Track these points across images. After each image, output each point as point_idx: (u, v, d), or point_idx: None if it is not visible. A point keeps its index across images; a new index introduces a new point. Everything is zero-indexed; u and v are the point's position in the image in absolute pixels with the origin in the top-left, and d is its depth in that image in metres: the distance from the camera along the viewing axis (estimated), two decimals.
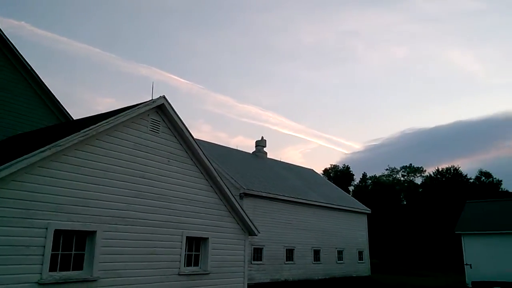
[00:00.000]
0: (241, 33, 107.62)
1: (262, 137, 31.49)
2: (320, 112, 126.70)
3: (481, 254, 26.05)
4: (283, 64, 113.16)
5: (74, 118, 14.08)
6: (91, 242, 8.28)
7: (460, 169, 54.50)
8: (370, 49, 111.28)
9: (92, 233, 8.28)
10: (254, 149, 31.24)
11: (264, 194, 21.97)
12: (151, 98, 10.00)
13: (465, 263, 26.59)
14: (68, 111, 14.24)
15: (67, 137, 7.88)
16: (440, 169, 55.56)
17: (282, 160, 33.36)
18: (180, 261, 10.02)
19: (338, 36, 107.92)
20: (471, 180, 53.76)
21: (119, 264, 8.64)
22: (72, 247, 8.12)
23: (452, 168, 54.24)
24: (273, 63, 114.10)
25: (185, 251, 10.31)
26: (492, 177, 54.54)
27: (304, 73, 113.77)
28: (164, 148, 10.09)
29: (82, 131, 8.14)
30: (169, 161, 10.14)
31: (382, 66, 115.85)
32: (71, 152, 8.07)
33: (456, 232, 27.62)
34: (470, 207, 30.48)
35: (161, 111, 10.17)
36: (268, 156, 31.65)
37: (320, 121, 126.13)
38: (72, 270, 8.01)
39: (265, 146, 31.28)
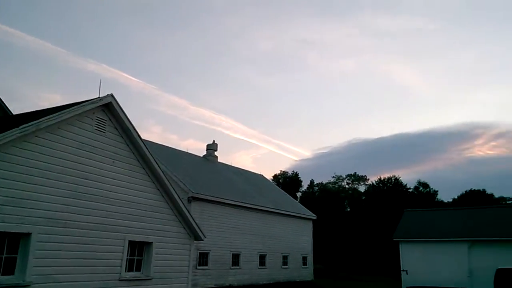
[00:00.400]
0: (199, 35, 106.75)
1: (214, 141, 31.36)
2: (273, 118, 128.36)
3: (417, 261, 27.50)
4: (239, 68, 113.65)
5: (14, 114, 13.26)
6: (25, 245, 7.82)
7: (400, 179, 57.56)
8: (322, 59, 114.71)
9: (27, 236, 7.82)
10: (205, 153, 31.01)
11: (212, 198, 21.85)
12: (98, 96, 9.66)
13: (401, 269, 27.98)
14: (8, 106, 13.38)
15: (3, 133, 7.41)
16: (382, 178, 58.39)
17: (232, 165, 33.38)
18: (121, 266, 9.71)
19: (293, 44, 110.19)
20: (410, 190, 56.90)
21: (54, 268, 8.23)
22: (3, 250, 7.62)
23: (393, 178, 57.17)
24: (229, 67, 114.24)
25: (127, 256, 10.01)
26: (429, 187, 58.10)
27: (259, 78, 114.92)
28: (109, 148, 9.76)
29: (20, 126, 7.68)
30: (113, 161, 9.82)
31: (333, 76, 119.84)
32: (7, 149, 7.59)
33: (394, 239, 29.03)
34: (408, 216, 32.17)
35: (108, 110, 9.84)
36: (219, 160, 31.54)
37: (272, 127, 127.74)
38: (2, 274, 7.52)
39: (216, 150, 31.16)
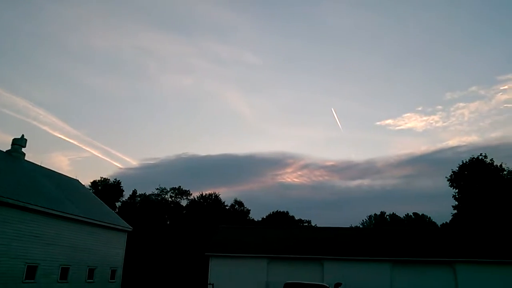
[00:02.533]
0: (28, 19, 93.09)
1: (23, 135, 27.40)
2: (101, 121, 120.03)
3: (224, 275, 29.19)
4: (70, 64, 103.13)
5: None
6: None
7: (220, 196, 60.78)
8: (161, 71, 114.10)
9: None
10: (9, 148, 26.80)
11: (7, 201, 18.94)
12: None
13: (208, 282, 29.29)
14: None
15: None
16: (204, 194, 60.67)
17: (43, 165, 29.70)
18: None
19: (133, 50, 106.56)
20: (227, 207, 60.64)
21: None
22: None
23: (213, 195, 60.04)
24: (59, 61, 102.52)
25: None
26: (244, 206, 63.09)
27: (91, 78, 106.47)
28: None
29: None
30: None
31: (170, 90, 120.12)
32: None
33: (206, 254, 30.30)
34: (221, 232, 34.09)
35: None
36: (28, 158, 27.69)
37: (99, 130, 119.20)
38: None
39: (24, 146, 27.25)
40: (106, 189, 61.47)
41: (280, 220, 61.02)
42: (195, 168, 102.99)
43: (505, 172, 41.05)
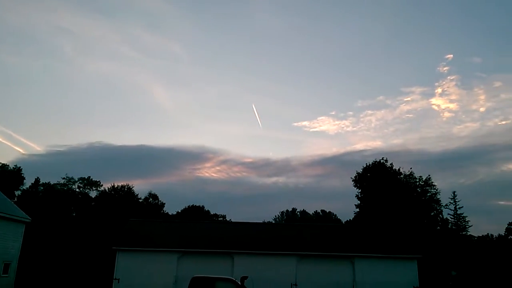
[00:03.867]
0: None
1: None
2: (5, 101, 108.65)
3: (132, 269, 28.32)
4: None
5: None
6: None
7: (133, 188, 58.49)
8: (80, 54, 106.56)
9: None
10: None
11: None
12: None
13: (114, 277, 28.20)
14: None
15: None
16: (116, 186, 57.96)
17: None
18: None
19: (50, 29, 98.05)
20: (141, 200, 58.68)
21: None
22: None
23: (126, 186, 57.64)
24: None
25: None
26: (158, 199, 61.59)
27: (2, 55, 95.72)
28: None
29: None
30: None
31: (88, 75, 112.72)
32: None
33: (113, 248, 29.13)
34: (131, 225, 33.00)
35: None
36: None
37: (1, 111, 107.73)
38: None
39: None
40: (4, 176, 55.91)
41: (195, 215, 60.71)
42: (109, 158, 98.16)
43: (401, 176, 45.46)
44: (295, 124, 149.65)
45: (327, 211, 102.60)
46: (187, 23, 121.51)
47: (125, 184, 58.51)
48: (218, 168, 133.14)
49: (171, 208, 67.85)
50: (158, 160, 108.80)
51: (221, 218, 70.15)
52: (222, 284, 16.66)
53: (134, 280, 27.90)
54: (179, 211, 63.58)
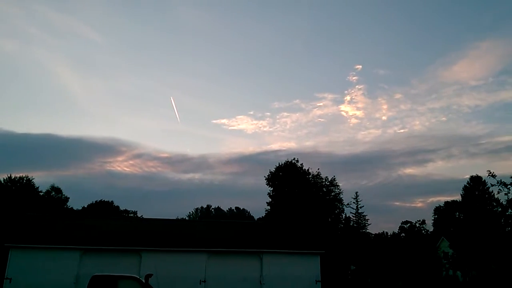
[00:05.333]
0: None
1: None
2: None
3: (28, 269, 26.13)
4: None
5: None
6: None
7: (34, 180, 53.70)
8: None
9: None
10: None
11: None
12: None
13: (5, 277, 25.77)
14: None
15: None
16: (13, 177, 52.74)
17: None
18: None
19: None
20: (42, 193, 54.10)
21: None
22: None
23: (25, 178, 52.72)
24: None
25: None
26: (62, 193, 57.33)
27: None
28: None
29: None
30: None
31: None
32: None
33: (5, 245, 26.60)
34: (27, 220, 30.35)
35: None
36: None
37: None
38: None
39: None
40: None
41: (103, 210, 57.65)
42: (8, 146, 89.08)
43: (310, 176, 48.01)
44: (214, 121, 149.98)
45: (241, 208, 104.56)
46: (105, 9, 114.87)
47: (24, 175, 53.53)
48: (131, 162, 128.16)
49: (77, 203, 63.73)
50: (65, 151, 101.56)
51: (132, 214, 67.58)
52: (125, 283, 16.09)
53: (29, 279, 25.76)
54: (85, 206, 59.94)
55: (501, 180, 13.82)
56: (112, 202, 62.84)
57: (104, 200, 61.96)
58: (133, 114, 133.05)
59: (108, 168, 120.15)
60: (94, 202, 61.01)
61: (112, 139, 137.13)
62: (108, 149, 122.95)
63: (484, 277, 40.62)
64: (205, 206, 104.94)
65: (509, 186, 13.84)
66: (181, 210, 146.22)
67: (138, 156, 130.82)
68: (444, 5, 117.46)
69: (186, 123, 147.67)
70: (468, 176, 60.03)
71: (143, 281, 16.54)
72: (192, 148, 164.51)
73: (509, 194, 13.97)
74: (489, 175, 14.11)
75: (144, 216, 58.74)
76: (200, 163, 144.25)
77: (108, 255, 27.71)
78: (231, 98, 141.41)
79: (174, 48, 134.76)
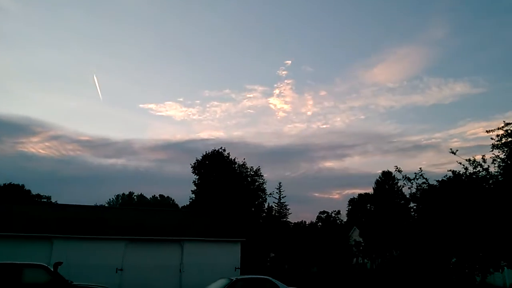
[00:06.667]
0: None
1: None
2: None
3: None
4: None
5: None
6: None
7: None
8: None
9: None
10: None
11: None
12: None
13: None
14: None
15: None
16: None
17: None
18: None
19: None
20: None
21: None
22: None
23: None
24: None
25: None
26: None
27: None
28: None
29: None
30: None
31: None
32: None
33: None
34: None
35: None
36: None
37: None
38: None
39: None
40: None
41: (11, 194, 53.22)
42: None
43: (236, 165, 48.65)
44: (141, 105, 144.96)
45: (166, 196, 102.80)
46: None
47: None
48: (47, 144, 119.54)
49: None
50: None
51: (45, 200, 63.24)
52: (31, 271, 15.14)
53: None
54: None
55: (406, 175, 15.25)
56: (23, 185, 58.22)
57: (13, 183, 57.16)
58: (50, 92, 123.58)
59: (20, 149, 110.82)
60: (2, 185, 56.07)
61: (26, 118, 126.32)
62: (20, 128, 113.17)
63: (387, 264, 44.61)
64: (127, 193, 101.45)
65: (412, 181, 15.30)
66: (101, 196, 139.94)
67: (55, 137, 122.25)
68: (368, 10, 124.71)
69: (111, 106, 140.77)
70: (380, 171, 65.36)
71: (52, 269, 15.71)
72: (116, 132, 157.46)
73: (411, 188, 15.44)
74: (396, 170, 15.50)
75: (59, 202, 55.29)
76: (124, 148, 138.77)
77: (15, 242, 25.78)
78: (160, 83, 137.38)
79: (100, 25, 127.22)
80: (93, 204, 57.39)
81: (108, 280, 25.20)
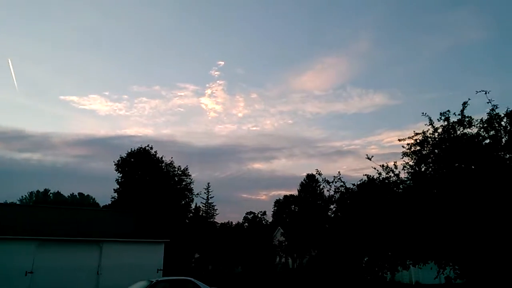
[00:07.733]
0: None
1: None
2: None
3: None
4: None
5: None
6: None
7: None
8: None
9: None
10: None
11: None
12: None
13: None
14: None
15: None
16: None
17: None
18: None
19: None
20: None
21: None
22: None
23: None
24: None
25: None
26: None
27: None
28: None
29: None
30: None
31: None
32: None
33: None
34: None
35: None
36: None
37: None
38: None
39: None
40: None
41: None
42: None
43: (163, 164, 47.49)
44: (62, 97, 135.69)
45: (86, 194, 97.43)
46: None
47: None
48: None
49: None
50: None
51: None
52: None
53: None
54: None
55: (325, 178, 15.92)
56: None
57: None
58: None
59: None
60: None
61: None
62: None
63: (308, 263, 46.48)
64: (42, 190, 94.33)
65: (331, 183, 16.03)
66: (12, 193, 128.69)
67: None
68: (300, 20, 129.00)
69: (27, 95, 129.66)
70: (305, 174, 67.98)
71: None
72: (31, 124, 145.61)
73: (330, 191, 16.16)
74: (317, 173, 16.14)
75: None
76: (40, 142, 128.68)
77: None
78: (84, 74, 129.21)
79: (17, 2, 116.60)
80: (2, 202, 52.51)
81: (16, 284, 23.27)
